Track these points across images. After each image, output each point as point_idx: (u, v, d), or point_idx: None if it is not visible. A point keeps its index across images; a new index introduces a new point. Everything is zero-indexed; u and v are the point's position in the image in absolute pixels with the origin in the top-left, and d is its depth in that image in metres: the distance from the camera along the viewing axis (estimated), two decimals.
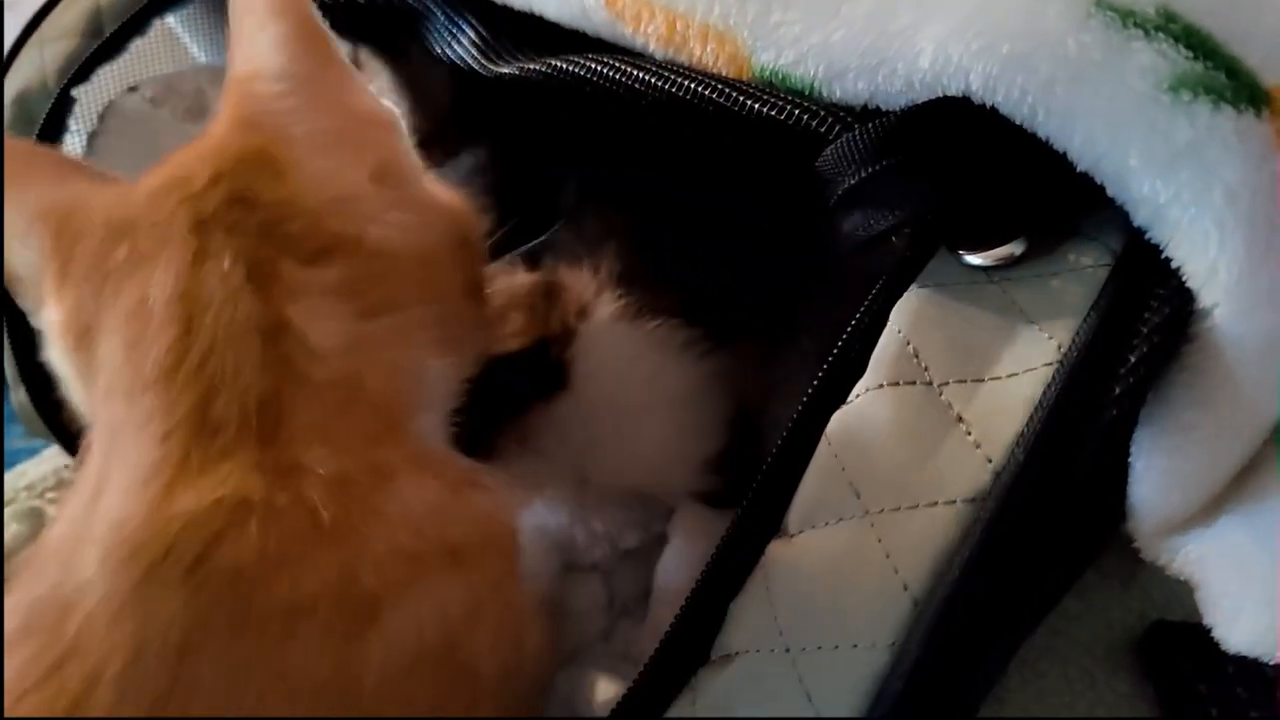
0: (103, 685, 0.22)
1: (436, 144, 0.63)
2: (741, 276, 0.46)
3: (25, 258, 0.30)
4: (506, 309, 0.42)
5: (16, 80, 0.53)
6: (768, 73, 0.34)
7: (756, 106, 0.33)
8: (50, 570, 0.24)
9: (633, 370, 0.42)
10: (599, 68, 0.38)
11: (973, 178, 0.30)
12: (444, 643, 0.25)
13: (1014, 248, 0.31)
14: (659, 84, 0.36)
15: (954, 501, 0.27)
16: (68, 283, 0.29)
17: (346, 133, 0.33)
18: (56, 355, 0.30)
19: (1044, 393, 0.27)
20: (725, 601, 0.30)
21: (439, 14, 0.47)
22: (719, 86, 0.34)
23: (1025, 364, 0.28)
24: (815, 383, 0.31)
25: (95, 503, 0.25)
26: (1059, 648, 0.50)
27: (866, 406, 0.29)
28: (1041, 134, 0.28)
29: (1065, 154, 0.28)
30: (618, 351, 0.42)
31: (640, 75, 0.37)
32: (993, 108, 0.29)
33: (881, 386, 0.29)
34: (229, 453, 0.25)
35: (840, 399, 0.30)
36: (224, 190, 0.29)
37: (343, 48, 0.60)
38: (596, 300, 0.43)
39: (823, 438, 0.30)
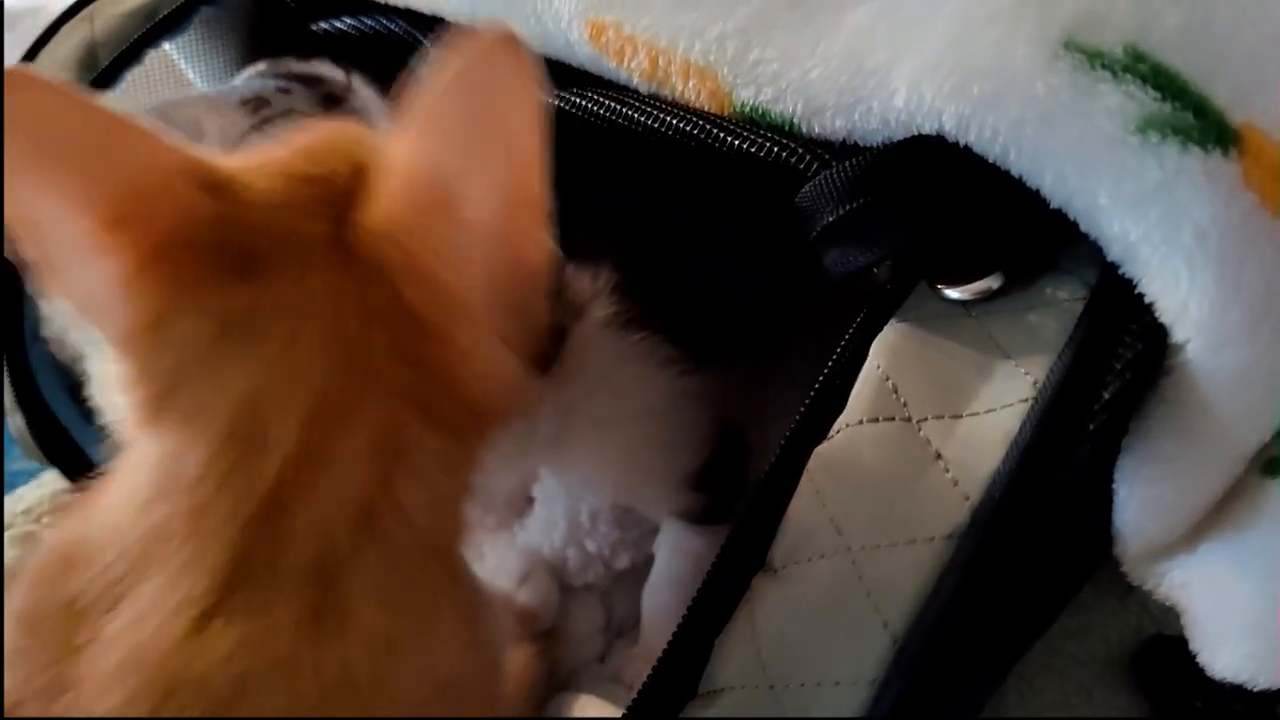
0: None
1: None
2: (728, 298, 0.46)
3: (58, 232, 0.24)
4: None
5: (63, 49, 0.53)
6: (748, 109, 0.35)
7: (737, 143, 0.34)
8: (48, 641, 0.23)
9: (612, 376, 0.42)
10: (584, 103, 0.39)
11: (949, 214, 0.30)
12: None
13: (991, 281, 0.31)
14: (644, 120, 0.37)
15: (932, 539, 0.27)
16: (153, 292, 0.24)
17: (517, 289, 0.27)
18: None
19: (1020, 428, 0.27)
20: (711, 637, 0.30)
21: (427, 45, 0.47)
22: (700, 123, 0.35)
23: (1002, 400, 0.29)
24: (797, 417, 0.31)
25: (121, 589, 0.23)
26: (1056, 663, 0.50)
27: (847, 442, 0.30)
28: (1014, 172, 0.28)
29: (1038, 191, 0.28)
30: (600, 355, 0.42)
31: (626, 112, 0.37)
32: (966, 146, 0.29)
33: (861, 423, 0.30)
34: (282, 596, 0.23)
35: (822, 434, 0.31)
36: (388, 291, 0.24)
37: (337, 76, 0.61)
38: (592, 304, 0.43)
39: (805, 473, 0.30)
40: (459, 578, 0.27)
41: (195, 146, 0.26)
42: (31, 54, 0.55)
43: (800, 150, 0.32)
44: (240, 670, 0.22)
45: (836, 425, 0.30)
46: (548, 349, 0.42)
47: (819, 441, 0.30)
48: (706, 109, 0.36)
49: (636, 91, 0.38)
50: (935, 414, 0.29)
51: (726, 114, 0.36)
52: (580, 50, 0.40)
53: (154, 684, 0.22)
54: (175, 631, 0.22)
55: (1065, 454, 0.27)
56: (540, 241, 0.27)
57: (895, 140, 0.31)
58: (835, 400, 0.31)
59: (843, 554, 0.28)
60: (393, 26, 0.49)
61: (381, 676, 0.23)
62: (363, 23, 0.51)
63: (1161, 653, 0.49)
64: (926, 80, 0.29)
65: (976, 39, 0.28)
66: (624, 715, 0.30)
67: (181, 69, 0.65)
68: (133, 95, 0.60)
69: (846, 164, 0.31)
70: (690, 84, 0.36)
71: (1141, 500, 0.29)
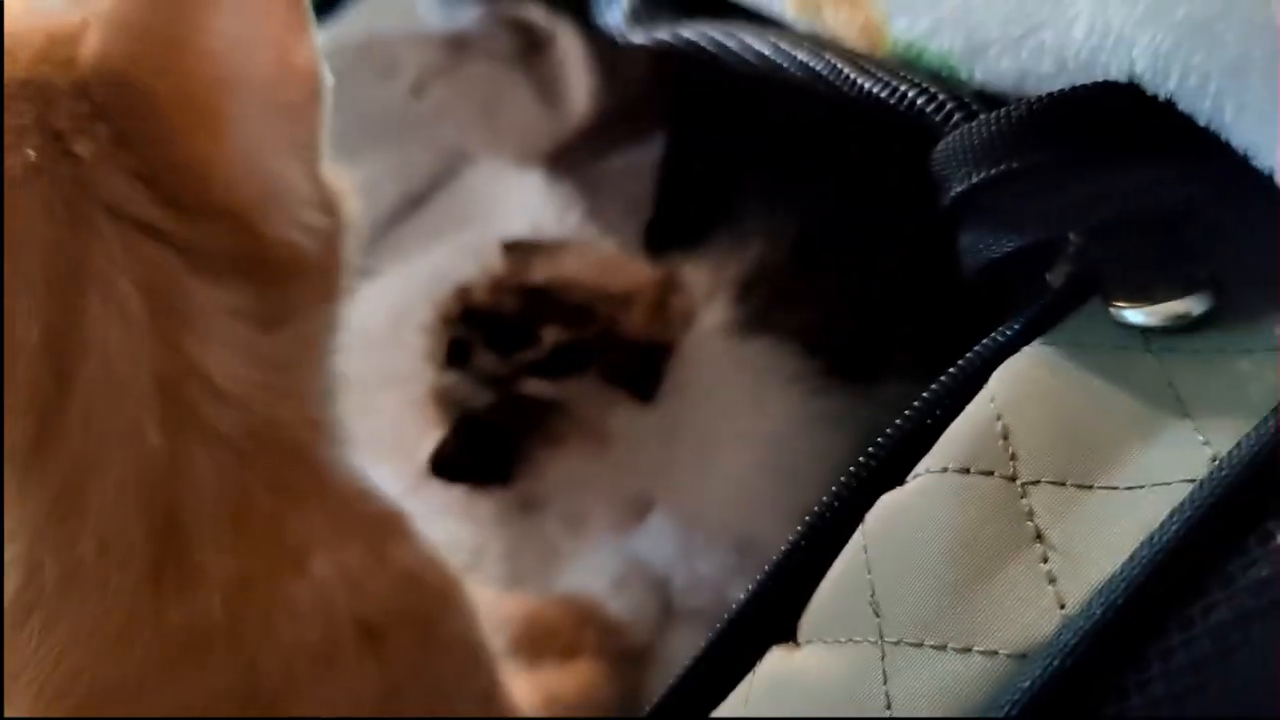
0: None
1: (623, 123, 0.59)
2: (889, 299, 0.38)
3: None
4: (628, 299, 0.38)
5: None
6: (902, 46, 0.27)
7: (866, 84, 0.26)
8: None
9: (724, 394, 0.36)
10: (718, 36, 0.33)
11: (1135, 197, 0.21)
12: None
13: (1191, 304, 0.21)
14: (772, 56, 0.30)
15: (995, 653, 0.19)
16: None
17: (286, 88, 0.24)
18: None
19: (1165, 524, 0.18)
20: (705, 708, 0.23)
21: None
22: (830, 60, 0.28)
23: (1157, 475, 0.19)
24: (871, 449, 0.23)
25: None
26: None
27: (921, 494, 0.22)
28: (1235, 142, 0.19)
29: (1270, 174, 0.18)
30: (712, 369, 0.36)
31: (756, 47, 0.31)
32: (1168, 100, 0.20)
33: (946, 470, 0.22)
34: (105, 553, 0.20)
35: (897, 477, 0.23)
36: (105, 133, 0.21)
37: (543, 24, 0.58)
38: (706, 306, 0.37)
39: (859, 527, 0.22)
40: (329, 491, 0.23)
41: None
42: None
43: (942, 97, 0.24)
44: (74, 662, 0.20)
45: (917, 468, 0.22)
46: (650, 370, 0.36)
47: (889, 487, 0.23)
48: (857, 47, 0.29)
49: (782, 28, 0.32)
50: (1053, 478, 0.20)
51: (880, 54, 0.28)
52: None
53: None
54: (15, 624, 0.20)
55: (1225, 579, 0.17)
56: (306, 47, 0.24)
57: (1067, 88, 0.22)
58: (925, 436, 0.23)
59: (873, 644, 0.20)
60: None
61: (239, 625, 0.20)
62: None
63: None
64: (1116, 2, 0.20)
65: None
66: None
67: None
68: (367, 16, 0.61)
69: (992, 115, 0.22)
70: (842, 15, 0.29)
71: None
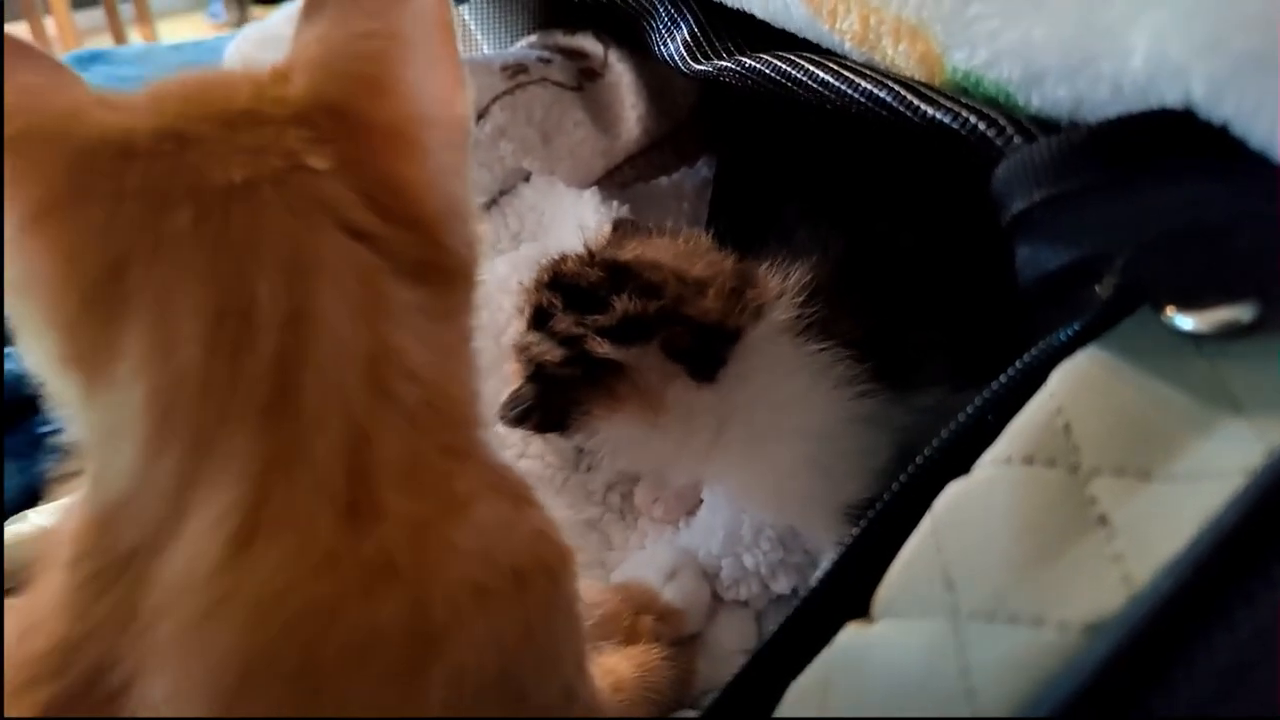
0: (154, 707, 0.21)
1: (672, 148, 0.62)
2: (936, 311, 0.40)
3: None
4: (706, 282, 0.40)
5: None
6: (960, 75, 0.29)
7: (930, 111, 0.28)
8: (100, 548, 0.23)
9: (777, 387, 0.38)
10: (783, 66, 0.35)
11: (1187, 214, 0.23)
12: (499, 670, 0.24)
13: (1241, 312, 0.23)
14: (837, 84, 0.32)
15: (1067, 625, 0.20)
16: (58, 209, 0.23)
17: (454, 128, 0.29)
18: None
19: (1226, 510, 0.20)
20: (784, 679, 0.25)
21: (662, 11, 0.45)
22: (895, 89, 0.30)
23: (1214, 465, 0.21)
24: (935, 442, 0.25)
25: (149, 506, 0.23)
26: None
27: (987, 482, 0.24)
28: None
29: None
30: (771, 364, 0.38)
31: (821, 75, 0.33)
32: (1222, 126, 0.22)
33: (1011, 461, 0.23)
34: (316, 494, 0.23)
35: (961, 467, 0.24)
36: (331, 152, 0.25)
37: (597, 50, 0.61)
38: (774, 303, 0.39)
39: (928, 513, 0.24)
40: (481, 458, 0.27)
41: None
42: None
43: (1002, 123, 0.26)
44: (285, 581, 0.22)
45: (982, 458, 0.24)
46: (711, 351, 0.39)
47: (955, 475, 0.24)
48: (915, 77, 0.31)
49: (841, 57, 0.34)
50: (1115, 469, 0.22)
51: (937, 83, 0.30)
52: (796, 11, 0.36)
53: (201, 607, 0.22)
54: (215, 553, 0.22)
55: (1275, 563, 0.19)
56: (463, 97, 0.29)
57: (1124, 115, 0.24)
58: (987, 429, 0.25)
59: (946, 617, 0.22)
60: None
61: (419, 558, 0.23)
62: None
63: None
64: (1173, 33, 0.22)
65: None
66: None
67: (472, 30, 0.69)
68: None
69: (1052, 139, 0.25)
70: (901, 47, 0.31)
71: None
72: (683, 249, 0.42)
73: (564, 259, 0.41)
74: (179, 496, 0.23)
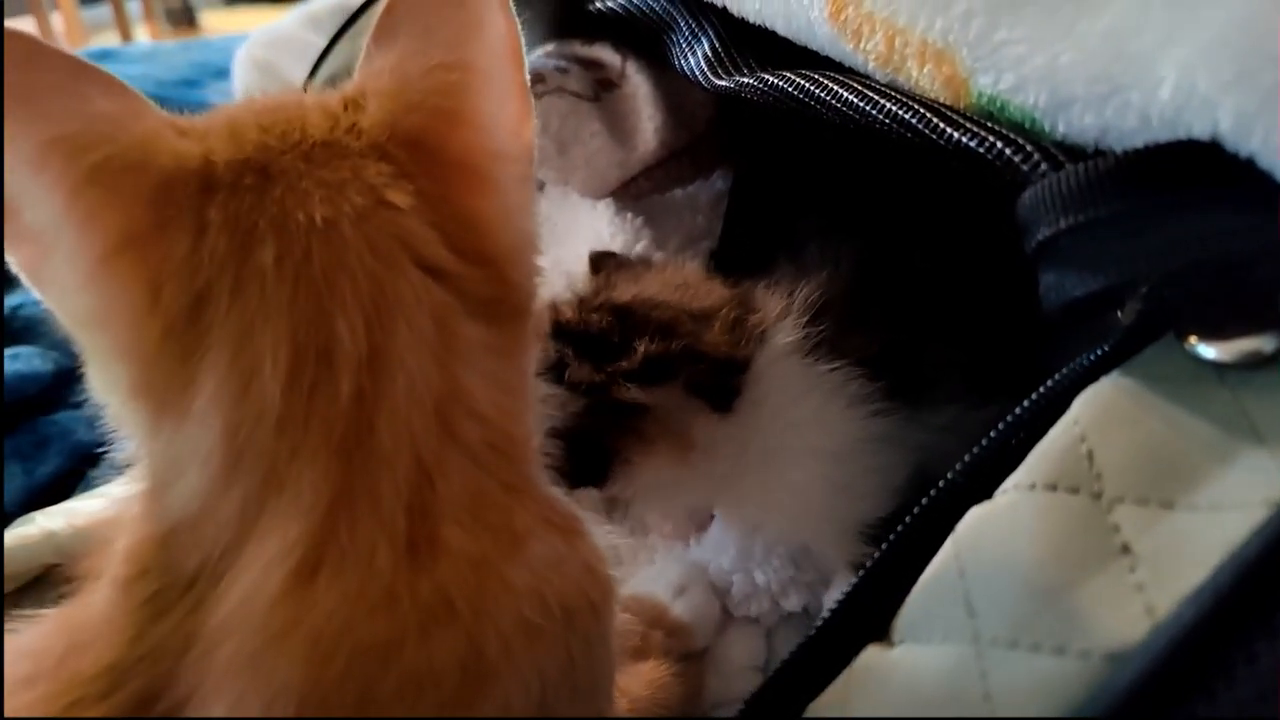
0: None
1: (689, 160, 0.62)
2: (951, 330, 0.40)
3: (35, 197, 0.23)
4: (710, 314, 0.40)
5: (329, 67, 0.60)
6: (985, 99, 0.29)
7: (959, 137, 0.28)
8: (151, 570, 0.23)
9: (793, 410, 0.38)
10: (806, 84, 0.35)
11: (1212, 244, 0.23)
12: (540, 701, 0.24)
13: (1264, 343, 0.23)
14: (861, 104, 0.32)
15: (1089, 654, 0.21)
16: (155, 239, 0.23)
17: (523, 160, 0.28)
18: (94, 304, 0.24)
19: (1248, 541, 0.20)
20: (803, 700, 0.25)
21: (683, 24, 0.46)
22: (921, 111, 0.30)
23: (1237, 496, 0.21)
24: (958, 466, 0.25)
25: (214, 527, 0.23)
26: None
27: (1010, 508, 0.24)
28: None
29: None
30: (784, 386, 0.38)
31: (845, 95, 0.33)
32: (1249, 159, 0.22)
33: (1034, 487, 0.24)
34: (379, 532, 0.23)
35: (984, 492, 0.25)
36: (411, 188, 0.24)
37: (614, 61, 0.61)
38: (777, 325, 0.39)
39: (950, 537, 0.24)
40: (536, 493, 0.26)
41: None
42: (354, 18, 0.62)
43: (1029, 148, 0.27)
44: (345, 618, 0.22)
45: (1005, 484, 0.24)
46: (727, 383, 0.38)
47: (977, 499, 0.25)
48: (940, 99, 0.31)
49: (864, 77, 0.34)
50: (1137, 498, 0.22)
51: (962, 106, 0.31)
52: (820, 30, 0.36)
53: (262, 636, 0.22)
54: (278, 585, 0.22)
55: None
56: (530, 129, 0.28)
57: (1151, 145, 0.24)
58: (1009, 455, 0.25)
59: (969, 643, 0.22)
60: (654, 6, 0.48)
61: (476, 597, 0.23)
62: (631, 3, 0.50)
63: None
64: (1203, 66, 0.22)
65: (1273, 19, 0.21)
66: None
67: None
68: None
69: (1079, 167, 0.25)
70: (926, 69, 0.31)
71: None
72: (675, 280, 0.42)
73: (556, 308, 0.41)
74: (246, 526, 0.23)
